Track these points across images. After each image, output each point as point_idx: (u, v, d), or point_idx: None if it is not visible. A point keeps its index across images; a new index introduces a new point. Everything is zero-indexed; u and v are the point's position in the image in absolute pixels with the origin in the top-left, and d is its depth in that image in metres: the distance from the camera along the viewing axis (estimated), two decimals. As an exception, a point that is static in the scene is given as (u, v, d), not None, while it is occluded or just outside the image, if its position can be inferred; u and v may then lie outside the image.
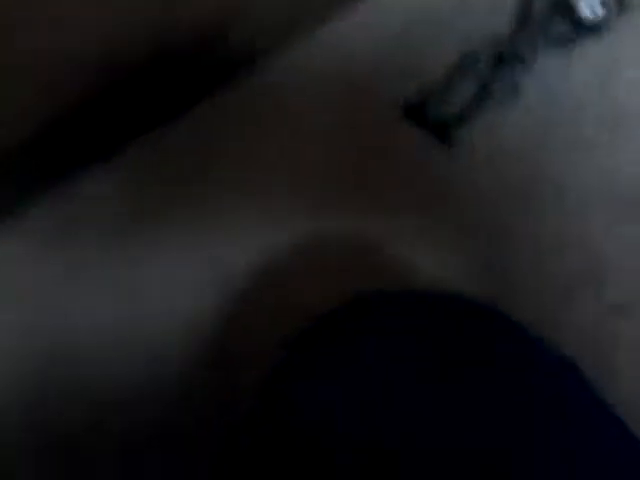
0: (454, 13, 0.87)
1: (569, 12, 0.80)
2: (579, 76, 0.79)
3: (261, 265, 0.76)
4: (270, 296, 0.76)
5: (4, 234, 0.78)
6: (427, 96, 0.80)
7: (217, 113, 0.84)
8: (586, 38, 0.79)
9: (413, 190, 0.77)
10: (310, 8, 0.92)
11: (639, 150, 0.72)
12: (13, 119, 0.75)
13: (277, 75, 0.87)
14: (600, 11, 0.79)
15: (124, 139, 0.85)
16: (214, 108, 0.84)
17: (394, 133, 0.80)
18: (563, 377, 0.48)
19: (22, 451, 0.72)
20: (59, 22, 0.73)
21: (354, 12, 0.91)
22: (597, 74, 0.78)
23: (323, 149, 0.81)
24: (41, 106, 0.78)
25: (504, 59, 0.80)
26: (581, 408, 0.45)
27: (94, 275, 0.78)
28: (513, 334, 0.50)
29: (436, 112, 0.80)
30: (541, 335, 0.50)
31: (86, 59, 0.77)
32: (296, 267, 0.77)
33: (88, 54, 0.77)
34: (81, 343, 0.76)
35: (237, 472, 0.48)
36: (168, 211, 0.82)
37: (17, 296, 0.78)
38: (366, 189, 0.79)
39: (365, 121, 0.82)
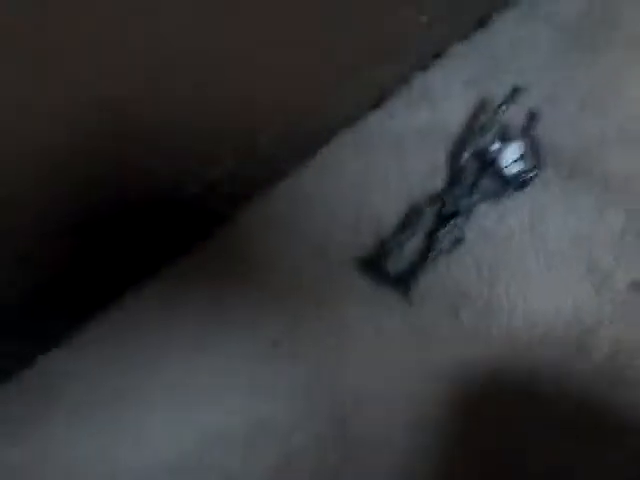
0: (396, 173, 0.98)
1: (496, 169, 0.92)
2: (512, 224, 0.89)
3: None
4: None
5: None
6: (380, 250, 0.89)
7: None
8: (513, 191, 0.91)
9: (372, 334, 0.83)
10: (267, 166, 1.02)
11: (573, 290, 0.82)
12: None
13: (239, 231, 0.95)
14: (522, 166, 0.91)
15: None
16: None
17: (349, 284, 0.88)
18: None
19: None
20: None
21: (308, 169, 1.00)
22: (526, 222, 0.89)
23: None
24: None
25: (445, 214, 0.90)
26: None
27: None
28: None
29: (390, 265, 0.88)
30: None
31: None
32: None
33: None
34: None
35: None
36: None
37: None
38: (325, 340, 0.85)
39: (321, 276, 0.90)
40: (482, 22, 1.17)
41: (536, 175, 0.90)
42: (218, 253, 0.94)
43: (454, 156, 0.97)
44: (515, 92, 0.94)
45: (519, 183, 0.90)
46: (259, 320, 0.85)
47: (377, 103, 1.08)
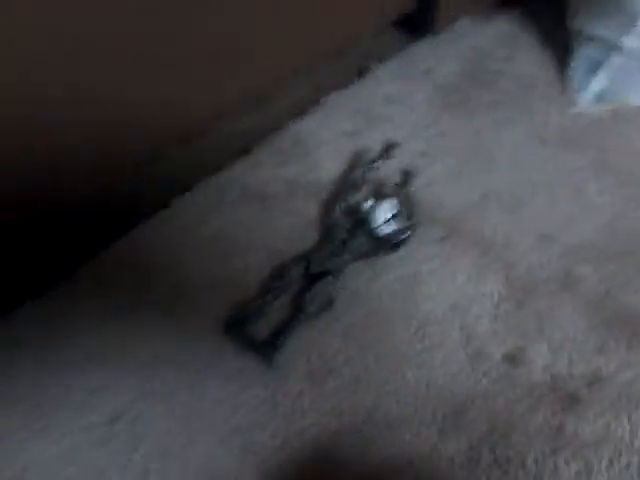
0: (261, 231, 0.90)
1: (368, 228, 0.86)
2: (384, 286, 0.83)
3: None
4: None
5: None
6: (245, 313, 0.79)
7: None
8: (386, 251, 0.84)
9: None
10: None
11: (447, 361, 0.75)
12: None
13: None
14: (395, 226, 0.85)
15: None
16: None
17: (217, 349, 0.78)
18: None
19: None
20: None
21: (164, 219, 0.91)
22: (399, 285, 0.83)
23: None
24: None
25: (313, 274, 0.82)
26: None
27: None
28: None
29: (254, 329, 0.79)
30: None
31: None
32: None
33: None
34: None
35: None
36: None
37: None
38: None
39: (175, 338, 0.79)
40: (360, 73, 1.14)
41: (410, 236, 0.84)
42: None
43: (325, 212, 0.90)
44: (389, 148, 0.89)
45: (392, 244, 0.84)
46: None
47: (245, 151, 1.01)
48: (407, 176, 0.87)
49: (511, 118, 1.02)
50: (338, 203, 0.88)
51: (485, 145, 0.99)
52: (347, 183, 0.92)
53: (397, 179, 0.90)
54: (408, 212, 0.85)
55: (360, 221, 0.87)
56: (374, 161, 0.89)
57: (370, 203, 0.87)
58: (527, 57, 1.13)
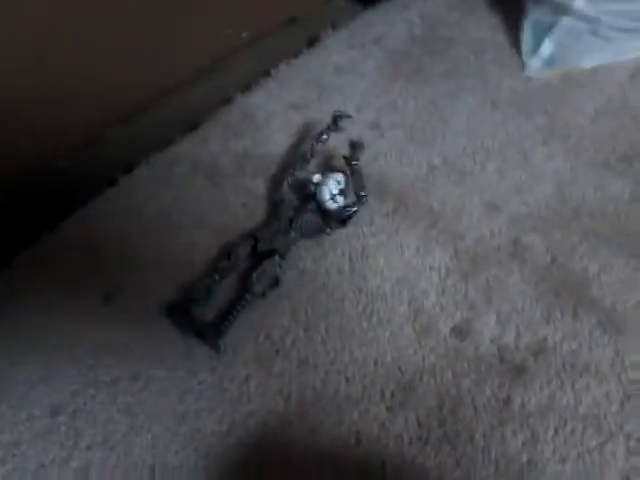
0: (210, 207, 0.88)
1: (316, 203, 0.84)
2: (332, 263, 0.81)
3: None
4: None
5: None
6: (190, 296, 0.77)
7: None
8: (334, 227, 0.82)
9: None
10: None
11: (395, 338, 0.74)
12: None
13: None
14: (343, 201, 0.83)
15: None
16: None
17: (163, 333, 0.76)
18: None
19: None
20: None
21: (109, 195, 0.88)
22: (347, 261, 0.81)
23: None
24: None
25: (260, 253, 0.80)
26: None
27: None
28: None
29: (198, 311, 0.77)
30: None
31: None
32: None
33: None
34: None
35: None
36: None
37: None
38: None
39: (118, 320, 0.77)
40: (310, 43, 1.11)
41: (357, 210, 0.83)
42: None
43: (274, 188, 0.88)
44: (337, 118, 0.87)
45: (340, 219, 0.82)
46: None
47: (192, 126, 0.98)
48: (356, 148, 0.85)
49: (463, 85, 1.01)
50: (286, 178, 0.86)
51: (437, 114, 0.97)
52: (295, 157, 0.90)
53: (346, 152, 0.88)
54: (356, 186, 0.83)
55: (308, 196, 0.85)
56: (322, 133, 0.87)
57: (318, 177, 0.85)
58: (478, 22, 1.11)
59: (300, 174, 0.87)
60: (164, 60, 0.93)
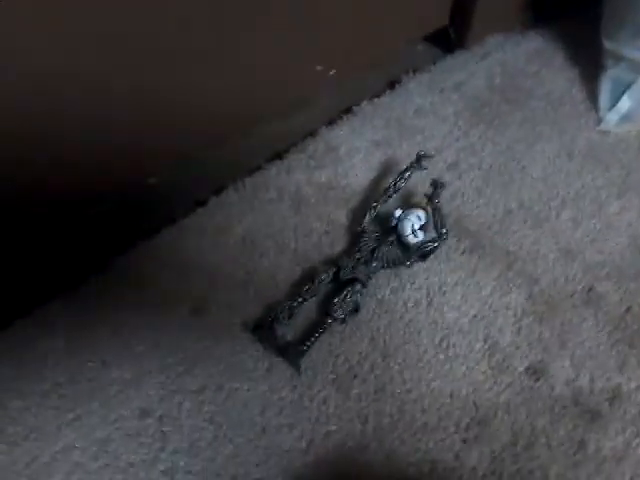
0: (293, 233, 0.89)
1: (397, 236, 0.85)
2: (410, 296, 0.82)
3: None
4: None
5: None
6: (274, 316, 0.78)
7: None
8: (414, 261, 0.83)
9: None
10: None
11: (470, 372, 0.74)
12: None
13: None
14: (424, 236, 0.84)
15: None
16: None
17: (246, 349, 0.77)
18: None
19: None
20: None
21: (197, 217, 0.90)
22: (425, 294, 0.82)
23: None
24: None
25: (342, 280, 0.81)
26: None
27: None
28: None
29: (281, 331, 0.78)
30: None
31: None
32: None
33: None
34: None
35: None
36: None
37: None
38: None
39: (204, 337, 0.79)
40: (392, 84, 1.13)
41: (438, 247, 0.83)
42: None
43: (355, 219, 0.89)
44: (420, 158, 0.88)
45: (420, 253, 0.83)
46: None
47: (279, 154, 1.00)
48: (437, 187, 0.86)
49: (540, 133, 1.01)
50: (368, 211, 0.87)
51: (514, 159, 0.98)
52: (378, 192, 0.91)
53: (427, 190, 0.88)
54: (437, 223, 0.84)
55: (389, 230, 0.86)
56: (406, 170, 0.88)
57: (399, 212, 0.86)
58: (556, 73, 1.11)
59: (382, 208, 0.88)
60: (259, 90, 0.95)
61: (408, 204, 0.89)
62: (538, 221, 0.89)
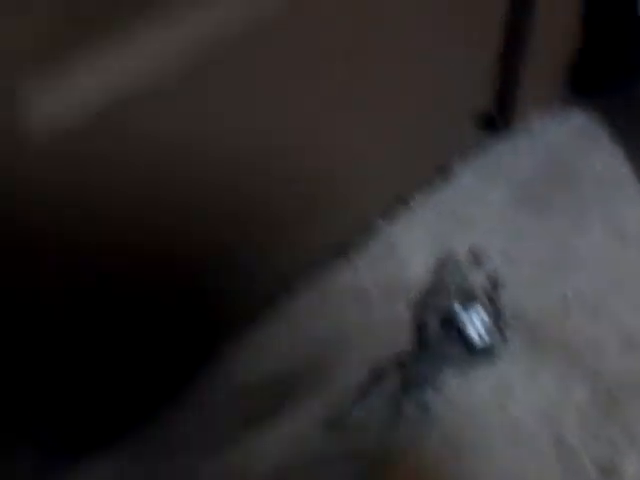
0: (358, 330, 0.93)
1: (461, 338, 0.88)
2: (475, 392, 0.85)
3: None
4: None
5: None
6: (344, 415, 0.82)
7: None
8: (480, 361, 0.86)
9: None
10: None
11: (542, 472, 0.77)
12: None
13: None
14: (487, 338, 0.87)
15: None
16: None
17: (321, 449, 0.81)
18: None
19: None
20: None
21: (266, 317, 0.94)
22: (488, 391, 0.85)
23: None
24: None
25: (410, 380, 0.85)
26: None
27: None
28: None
29: (355, 432, 0.82)
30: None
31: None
32: None
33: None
34: None
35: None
36: None
37: None
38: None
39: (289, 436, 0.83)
40: (442, 172, 1.16)
41: (501, 343, 0.86)
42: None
43: (417, 315, 0.93)
44: (475, 254, 0.91)
45: (486, 353, 0.86)
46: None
47: (340, 253, 1.05)
48: (495, 285, 0.89)
49: (589, 217, 1.04)
50: (429, 308, 0.91)
51: (564, 245, 1.00)
52: (436, 286, 0.95)
53: (484, 283, 0.92)
54: (498, 320, 0.87)
55: (450, 326, 0.89)
56: (460, 267, 0.91)
57: (459, 308, 0.89)
58: (602, 152, 1.14)
59: (442, 303, 0.91)
60: (321, 187, 0.99)
61: (467, 298, 0.92)
62: (596, 309, 0.91)
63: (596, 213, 1.04)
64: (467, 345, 0.87)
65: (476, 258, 0.92)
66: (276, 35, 0.75)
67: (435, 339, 0.88)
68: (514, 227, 1.04)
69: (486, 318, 0.88)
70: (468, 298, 0.93)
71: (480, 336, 0.86)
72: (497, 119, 1.22)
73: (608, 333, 0.88)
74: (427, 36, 0.98)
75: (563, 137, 1.18)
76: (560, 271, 0.96)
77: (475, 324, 0.87)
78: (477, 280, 0.94)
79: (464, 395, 0.84)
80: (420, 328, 0.90)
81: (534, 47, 1.14)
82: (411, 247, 1.02)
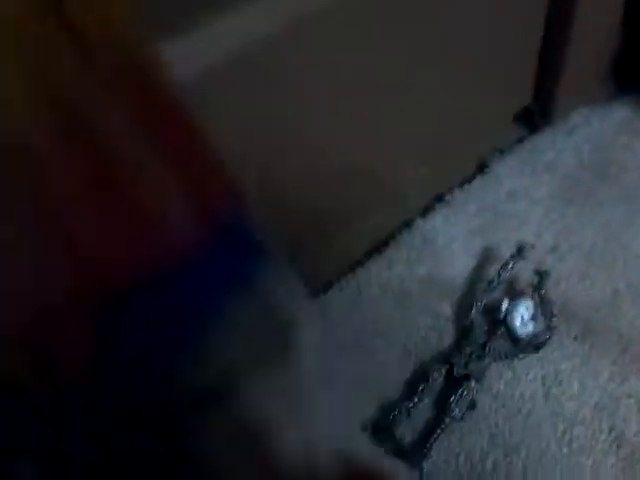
0: (399, 329, 0.91)
1: (507, 329, 0.85)
2: (525, 388, 0.82)
3: None
4: None
5: None
6: (388, 416, 0.80)
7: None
8: (527, 353, 0.83)
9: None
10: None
11: (598, 466, 0.73)
12: None
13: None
14: (534, 327, 0.84)
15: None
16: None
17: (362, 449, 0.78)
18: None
19: None
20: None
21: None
22: (540, 385, 0.81)
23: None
24: None
25: (456, 377, 0.82)
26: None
27: None
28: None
29: (399, 432, 0.79)
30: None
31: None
32: None
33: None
34: None
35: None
36: None
37: None
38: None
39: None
40: (481, 167, 1.14)
41: (550, 337, 0.83)
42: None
43: (461, 312, 0.91)
44: (521, 249, 0.89)
45: (533, 345, 0.83)
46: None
47: (377, 249, 1.03)
48: (541, 276, 0.87)
49: (637, 210, 1.00)
50: (474, 303, 0.88)
51: (614, 238, 0.97)
52: (481, 283, 0.93)
53: (531, 277, 0.89)
54: (546, 312, 0.85)
55: (498, 322, 0.86)
56: (507, 263, 0.89)
57: (507, 303, 0.86)
58: (647, 145, 1.11)
59: (488, 299, 0.89)
60: (356, 186, 0.98)
61: (514, 294, 0.90)
62: (647, 300, 0.88)
63: (642, 206, 1.01)
64: (514, 338, 0.84)
65: (522, 253, 0.90)
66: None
67: (482, 335, 0.86)
68: (560, 222, 1.01)
69: (533, 311, 0.85)
70: (514, 292, 0.91)
71: (527, 329, 0.84)
72: (537, 114, 1.20)
73: (662, 324, 0.84)
74: (472, 34, 0.97)
75: (605, 132, 1.15)
76: (610, 264, 0.93)
77: (523, 318, 0.84)
78: (524, 275, 0.92)
79: (512, 390, 0.81)
80: (465, 325, 0.88)
81: (576, 42, 1.12)
82: (450, 242, 1.00)
